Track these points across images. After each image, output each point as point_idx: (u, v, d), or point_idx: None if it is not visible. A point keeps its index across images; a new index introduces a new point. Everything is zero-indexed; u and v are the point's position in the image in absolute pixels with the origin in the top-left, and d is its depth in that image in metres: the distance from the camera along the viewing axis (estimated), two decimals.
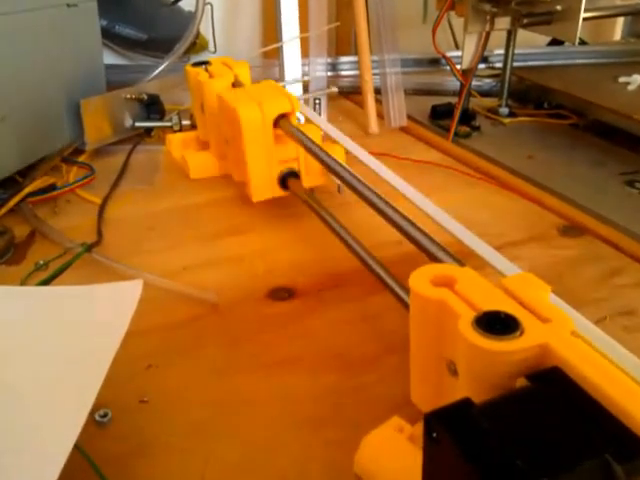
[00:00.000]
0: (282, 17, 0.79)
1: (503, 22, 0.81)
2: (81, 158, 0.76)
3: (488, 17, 0.79)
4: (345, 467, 0.37)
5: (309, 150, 0.58)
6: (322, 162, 0.57)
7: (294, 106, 0.61)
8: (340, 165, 0.54)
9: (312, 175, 0.63)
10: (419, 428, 0.38)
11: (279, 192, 0.63)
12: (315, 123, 0.64)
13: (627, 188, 0.73)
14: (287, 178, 0.62)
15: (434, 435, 0.28)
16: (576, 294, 0.54)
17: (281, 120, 0.61)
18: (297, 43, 0.80)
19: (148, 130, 0.80)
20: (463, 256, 0.43)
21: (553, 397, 0.28)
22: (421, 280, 0.36)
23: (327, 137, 0.66)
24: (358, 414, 0.42)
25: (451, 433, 0.27)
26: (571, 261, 0.59)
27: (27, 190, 0.62)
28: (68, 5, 0.71)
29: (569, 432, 0.27)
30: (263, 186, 0.62)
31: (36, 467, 0.31)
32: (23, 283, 0.53)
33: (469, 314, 0.32)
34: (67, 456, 0.30)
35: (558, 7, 0.75)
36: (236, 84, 0.68)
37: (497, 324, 0.31)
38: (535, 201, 0.69)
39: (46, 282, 0.50)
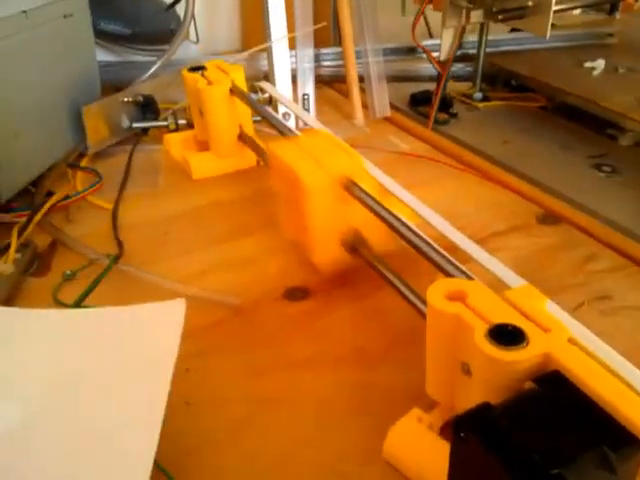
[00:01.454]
0: (270, 16, 0.82)
1: (478, 16, 0.85)
2: (83, 162, 0.79)
3: (464, 12, 0.84)
4: (376, 453, 0.43)
5: (376, 213, 0.54)
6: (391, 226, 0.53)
7: (360, 166, 0.57)
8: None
9: (378, 238, 0.58)
10: (435, 416, 0.45)
11: (343, 255, 0.58)
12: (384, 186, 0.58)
13: (595, 172, 0.79)
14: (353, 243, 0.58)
15: (462, 435, 0.34)
16: (556, 281, 0.60)
17: (348, 183, 0.55)
18: (285, 42, 0.84)
19: (144, 130, 0.84)
20: (449, 250, 0.48)
21: (556, 398, 0.34)
22: (437, 295, 0.41)
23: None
24: (381, 405, 0.47)
25: (477, 433, 0.33)
26: (550, 249, 0.65)
27: (49, 204, 0.66)
28: (65, 16, 0.73)
29: (570, 428, 0.33)
30: (332, 255, 0.58)
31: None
32: (55, 295, 0.57)
33: (482, 327, 0.38)
34: (150, 471, 0.35)
35: (530, 2, 0.80)
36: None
37: (505, 335, 0.37)
38: (514, 190, 0.74)
39: (83, 297, 0.54)
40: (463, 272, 0.45)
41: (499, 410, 0.34)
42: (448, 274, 0.46)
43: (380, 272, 0.54)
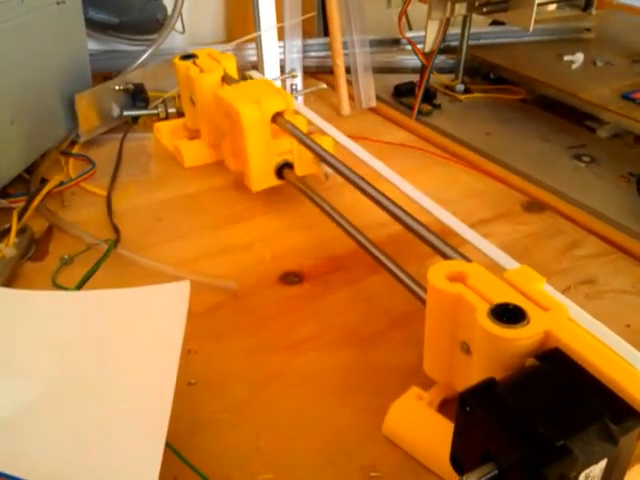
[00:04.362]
0: (260, 6, 0.83)
1: (462, 8, 0.87)
2: (75, 149, 0.80)
3: (449, 4, 0.85)
4: (375, 430, 0.45)
5: (303, 143, 0.65)
6: (315, 153, 0.64)
7: (289, 104, 0.67)
8: (331, 155, 0.63)
9: (305, 165, 0.69)
10: (434, 394, 0.46)
11: (276, 181, 0.69)
12: (305, 116, 0.69)
13: (575, 162, 0.81)
14: (283, 169, 0.68)
15: (468, 409, 0.36)
16: (543, 266, 0.61)
17: (277, 117, 0.67)
18: (274, 32, 0.85)
19: (135, 118, 0.84)
20: (444, 234, 0.50)
21: (558, 373, 0.36)
22: (438, 276, 0.42)
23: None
24: (377, 384, 0.49)
25: (484, 407, 0.35)
26: (535, 236, 0.67)
27: (47, 189, 0.66)
28: (58, 3, 0.74)
29: (573, 401, 0.34)
30: (262, 177, 0.68)
31: (138, 459, 0.37)
32: (54, 279, 0.58)
33: (483, 306, 0.39)
34: (163, 447, 0.36)
35: None
36: (225, 78, 0.73)
37: (507, 314, 0.39)
38: (498, 179, 0.76)
39: (84, 281, 0.55)
40: (461, 255, 0.46)
41: (504, 385, 0.36)
42: (446, 257, 0.48)
43: (375, 256, 0.56)
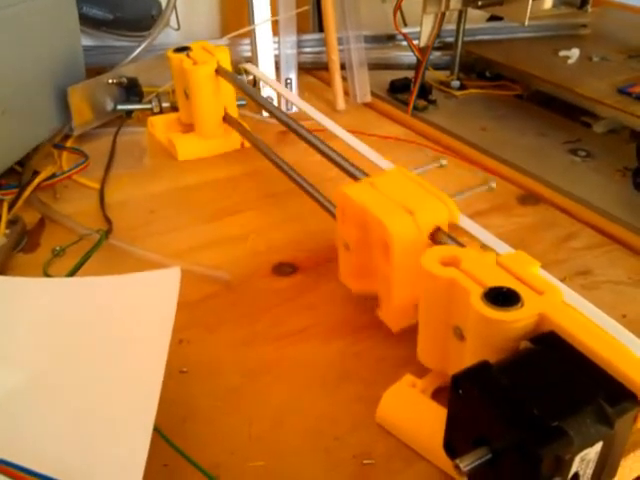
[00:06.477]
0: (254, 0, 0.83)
1: (457, 2, 0.87)
2: (68, 143, 0.79)
3: None
4: (368, 418, 0.44)
5: None
6: None
7: (452, 212, 0.49)
8: None
9: None
10: (428, 381, 0.46)
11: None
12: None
13: (571, 156, 0.81)
14: None
15: (460, 392, 0.35)
16: (538, 257, 0.61)
17: (437, 232, 0.48)
18: (269, 25, 0.85)
19: (128, 112, 0.84)
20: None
21: (552, 356, 0.36)
22: (432, 261, 0.42)
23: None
24: (370, 373, 0.48)
25: (477, 389, 0.34)
26: (531, 228, 0.66)
27: (38, 180, 0.66)
28: None
29: (568, 384, 0.34)
30: (406, 312, 0.49)
31: (125, 446, 0.36)
32: (45, 270, 0.57)
33: (477, 290, 0.39)
34: (151, 435, 0.36)
35: None
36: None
37: (500, 297, 0.38)
38: (494, 172, 0.76)
39: (75, 270, 0.54)
40: (456, 241, 0.46)
41: (497, 367, 0.35)
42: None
43: None
